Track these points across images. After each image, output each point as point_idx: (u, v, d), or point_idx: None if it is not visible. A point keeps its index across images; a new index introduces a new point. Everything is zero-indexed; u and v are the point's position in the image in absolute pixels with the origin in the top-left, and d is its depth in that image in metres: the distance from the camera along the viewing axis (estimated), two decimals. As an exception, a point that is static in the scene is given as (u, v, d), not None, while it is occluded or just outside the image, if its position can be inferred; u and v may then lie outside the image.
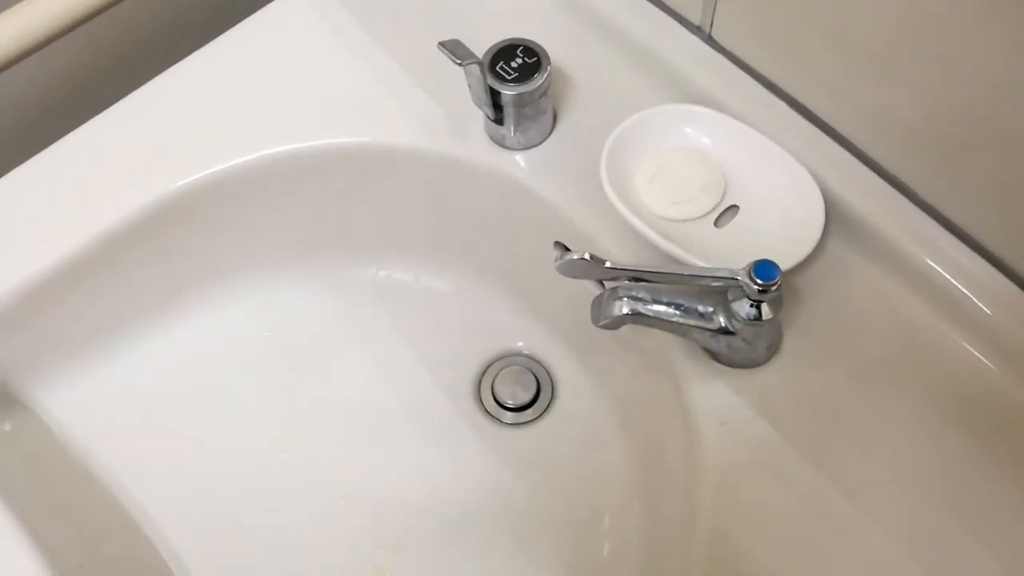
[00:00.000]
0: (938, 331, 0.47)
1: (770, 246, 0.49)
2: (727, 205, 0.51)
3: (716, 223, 0.51)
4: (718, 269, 0.43)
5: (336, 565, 0.57)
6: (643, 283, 0.45)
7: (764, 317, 0.43)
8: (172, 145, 0.57)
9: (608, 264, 0.43)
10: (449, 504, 0.59)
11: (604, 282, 0.51)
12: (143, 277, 0.60)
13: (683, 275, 0.43)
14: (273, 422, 0.62)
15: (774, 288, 0.41)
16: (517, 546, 0.57)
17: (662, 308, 0.44)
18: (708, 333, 0.45)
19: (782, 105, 0.52)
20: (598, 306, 0.45)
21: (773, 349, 0.47)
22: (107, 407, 0.60)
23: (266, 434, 0.61)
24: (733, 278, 0.42)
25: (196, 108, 0.59)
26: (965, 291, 0.46)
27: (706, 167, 0.51)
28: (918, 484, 0.44)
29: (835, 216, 0.49)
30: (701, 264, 0.47)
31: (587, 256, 0.43)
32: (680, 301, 0.45)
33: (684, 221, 0.50)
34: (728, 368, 0.48)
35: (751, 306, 0.43)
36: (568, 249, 0.56)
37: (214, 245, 0.62)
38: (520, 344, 0.64)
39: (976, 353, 0.46)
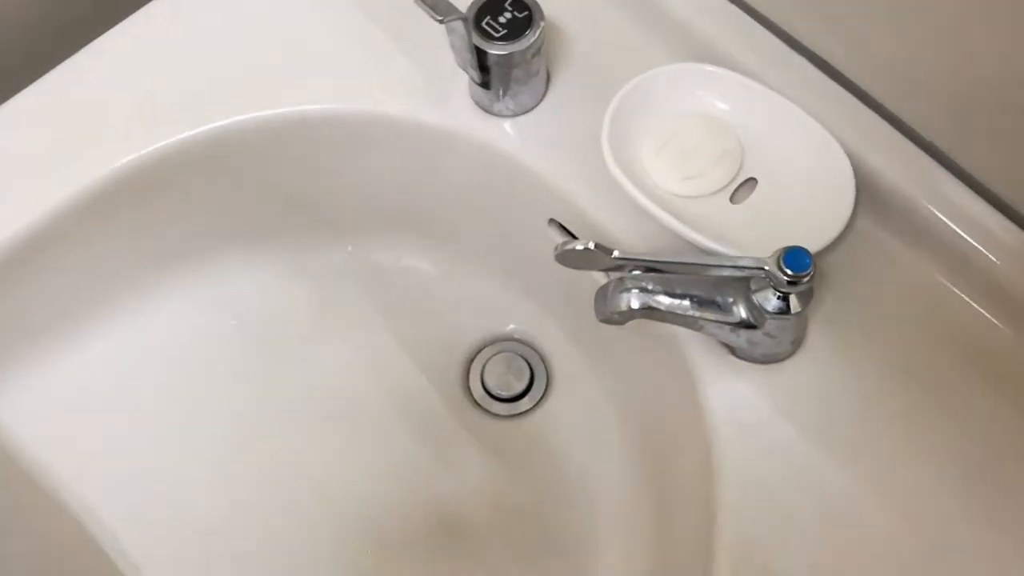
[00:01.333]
0: (984, 320, 0.42)
1: (793, 224, 0.43)
2: (744, 178, 0.45)
3: (732, 198, 0.45)
4: (742, 258, 0.37)
5: (316, 568, 0.53)
6: (653, 272, 0.40)
7: (792, 311, 0.38)
8: (116, 118, 0.51)
9: (616, 254, 0.38)
10: (436, 504, 0.55)
11: (609, 271, 0.46)
12: (91, 264, 0.54)
13: (702, 265, 0.38)
14: (242, 419, 0.57)
15: (806, 279, 0.36)
16: (510, 548, 0.53)
17: (676, 301, 0.39)
18: (728, 327, 0.40)
19: (804, 63, 0.46)
20: (603, 299, 0.40)
21: (798, 343, 0.42)
22: (55, 406, 0.55)
23: (235, 432, 0.56)
24: (760, 268, 0.37)
25: (145, 74, 0.52)
26: (1012, 276, 0.41)
27: (721, 135, 0.46)
28: (962, 492, 0.39)
29: (865, 188, 0.44)
30: (716, 248, 0.41)
31: (591, 246, 0.37)
32: (696, 292, 0.40)
33: (697, 198, 0.45)
34: (747, 363, 0.43)
35: (778, 298, 0.38)
36: (565, 229, 0.50)
37: (171, 226, 0.56)
38: (511, 328, 0.59)
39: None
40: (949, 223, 0.42)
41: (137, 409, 0.56)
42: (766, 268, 0.37)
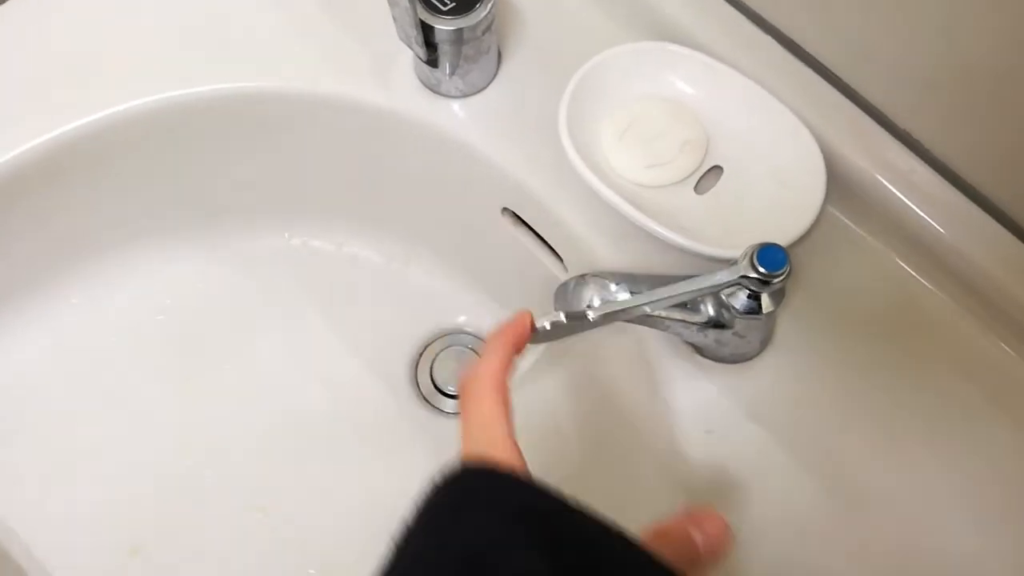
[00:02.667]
0: (955, 311, 0.41)
1: (760, 215, 0.41)
2: (709, 166, 0.43)
3: (696, 188, 0.42)
4: (716, 275, 0.34)
5: (254, 587, 0.49)
6: (615, 271, 0.37)
7: (764, 310, 0.36)
8: (31, 91, 0.46)
9: (592, 316, 0.34)
10: (384, 511, 0.51)
11: (564, 261, 0.43)
12: (3, 251, 0.49)
13: (680, 294, 0.35)
14: (172, 422, 0.53)
15: (780, 278, 0.34)
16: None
17: (640, 300, 0.36)
18: (695, 327, 0.37)
19: (773, 43, 0.43)
20: (563, 297, 0.37)
21: (766, 341, 0.40)
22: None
23: (163, 437, 0.52)
24: (735, 281, 0.34)
25: (57, 48, 0.47)
26: (986, 266, 0.39)
27: (685, 120, 0.43)
28: (936, 486, 0.38)
29: (834, 177, 0.41)
30: (679, 240, 0.39)
31: (561, 318, 0.33)
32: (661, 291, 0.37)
33: (660, 187, 0.42)
34: (714, 363, 0.40)
35: (749, 297, 0.36)
36: (520, 219, 0.47)
37: (94, 211, 0.52)
38: (462, 320, 0.56)
39: (1003, 346, 0.40)
40: (922, 214, 0.40)
41: (53, 411, 0.52)
42: (742, 276, 0.34)
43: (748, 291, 0.36)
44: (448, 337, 0.56)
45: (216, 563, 0.50)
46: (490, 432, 0.29)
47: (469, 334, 0.56)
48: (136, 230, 0.54)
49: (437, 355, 0.55)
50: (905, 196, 0.41)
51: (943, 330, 0.41)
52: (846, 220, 0.43)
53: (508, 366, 0.31)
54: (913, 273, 0.42)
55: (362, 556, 0.50)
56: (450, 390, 0.54)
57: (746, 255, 0.34)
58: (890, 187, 0.41)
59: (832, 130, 0.41)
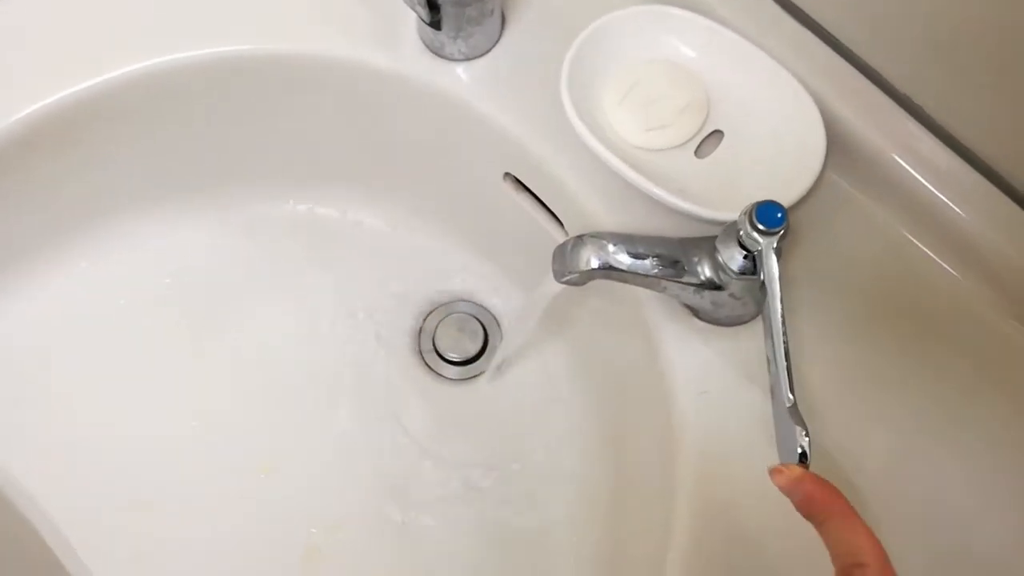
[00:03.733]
0: (951, 278, 0.41)
1: (760, 179, 0.41)
2: (710, 130, 0.43)
3: (697, 152, 0.43)
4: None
5: (262, 546, 0.50)
6: (612, 232, 0.37)
7: (759, 270, 0.36)
8: (26, 61, 0.46)
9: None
10: (387, 473, 0.52)
11: (565, 227, 0.43)
12: (12, 215, 0.49)
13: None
14: (178, 386, 0.53)
15: (778, 235, 0.34)
16: (466, 519, 0.51)
17: (637, 261, 0.37)
18: (691, 288, 0.38)
19: (775, 7, 0.43)
20: (561, 258, 0.37)
21: (763, 303, 0.40)
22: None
23: (170, 400, 0.53)
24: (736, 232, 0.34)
25: (61, 10, 0.47)
26: (985, 235, 0.39)
27: (686, 84, 0.43)
28: (933, 451, 0.38)
29: (835, 141, 0.41)
30: (680, 204, 0.39)
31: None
32: (659, 251, 0.37)
33: (660, 150, 0.42)
34: (710, 326, 0.41)
35: (744, 257, 0.36)
36: (522, 184, 0.47)
37: (100, 177, 0.52)
38: (465, 286, 0.56)
39: (1013, 321, 0.40)
40: (920, 179, 0.40)
41: (60, 374, 0.53)
42: (738, 227, 0.34)
43: (743, 252, 0.36)
44: (451, 304, 0.56)
45: (221, 521, 0.50)
46: None
47: (472, 301, 0.56)
48: (142, 196, 0.54)
49: (440, 322, 0.56)
50: (906, 162, 0.41)
51: (943, 299, 0.41)
52: (847, 186, 0.43)
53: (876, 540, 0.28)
54: (914, 240, 0.42)
55: (363, 517, 0.51)
56: (452, 356, 0.55)
57: (745, 212, 0.34)
58: (891, 153, 0.41)
59: (833, 94, 0.41)
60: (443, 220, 0.55)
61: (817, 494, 0.29)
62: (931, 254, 0.42)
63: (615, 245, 0.37)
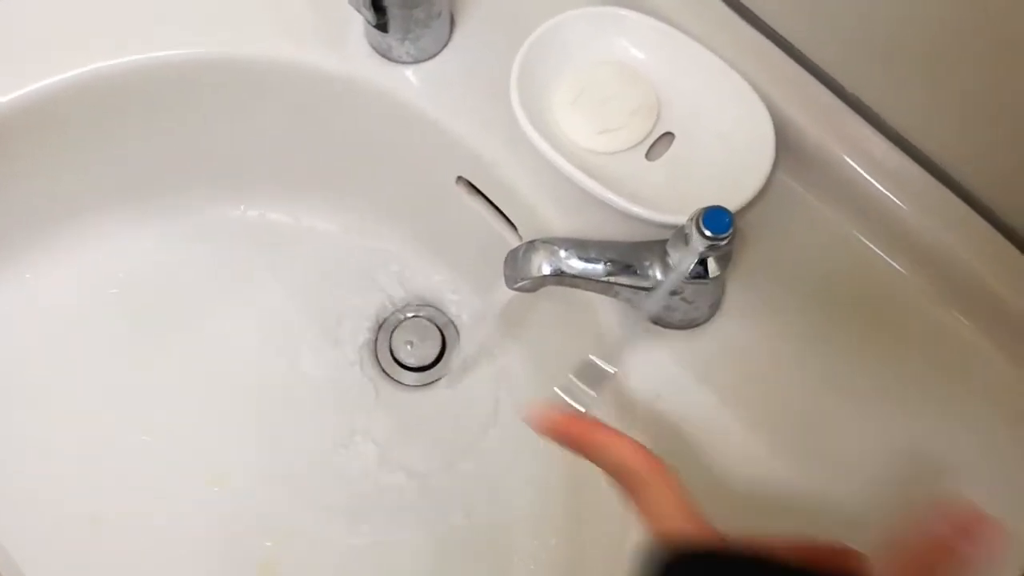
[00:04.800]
0: (901, 277, 0.41)
1: (711, 181, 0.41)
2: (661, 132, 0.43)
3: (648, 155, 0.42)
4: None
5: (212, 561, 0.49)
6: (564, 237, 0.37)
7: (711, 274, 0.36)
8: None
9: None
10: (342, 483, 0.51)
11: (519, 231, 0.43)
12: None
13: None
14: (128, 396, 0.52)
15: (725, 241, 0.34)
16: (421, 528, 0.50)
17: (589, 266, 0.36)
18: (643, 293, 0.37)
19: (724, 8, 0.43)
20: (513, 263, 0.37)
21: (715, 306, 0.40)
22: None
23: (119, 413, 0.52)
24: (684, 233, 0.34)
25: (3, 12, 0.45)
26: (937, 234, 0.40)
27: (637, 86, 0.43)
28: (885, 452, 0.39)
29: (784, 142, 0.42)
30: (631, 208, 0.39)
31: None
32: (611, 255, 0.37)
33: (612, 153, 0.42)
34: (664, 329, 0.40)
35: (696, 263, 0.36)
36: (475, 188, 0.47)
37: (45, 183, 0.51)
38: (421, 291, 0.56)
39: (957, 314, 0.41)
40: (869, 178, 0.41)
41: (7, 386, 0.51)
42: (685, 232, 0.34)
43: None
44: (407, 309, 0.56)
45: (174, 534, 0.49)
46: (674, 516, 0.29)
47: (429, 305, 0.56)
48: (89, 203, 0.53)
49: (396, 327, 0.55)
50: (855, 162, 0.41)
51: (893, 297, 0.42)
52: (797, 186, 0.43)
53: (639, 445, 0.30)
54: (864, 240, 0.42)
55: (318, 527, 0.50)
56: (410, 363, 0.54)
57: (692, 219, 0.34)
58: (841, 154, 0.41)
59: (782, 96, 0.41)
60: (397, 225, 0.55)
61: (574, 427, 0.31)
62: (879, 251, 0.42)
63: (567, 250, 0.37)
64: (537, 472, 0.49)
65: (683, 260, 0.35)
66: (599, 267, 0.37)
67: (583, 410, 0.35)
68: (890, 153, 0.41)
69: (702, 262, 0.36)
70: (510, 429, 0.51)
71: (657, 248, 0.37)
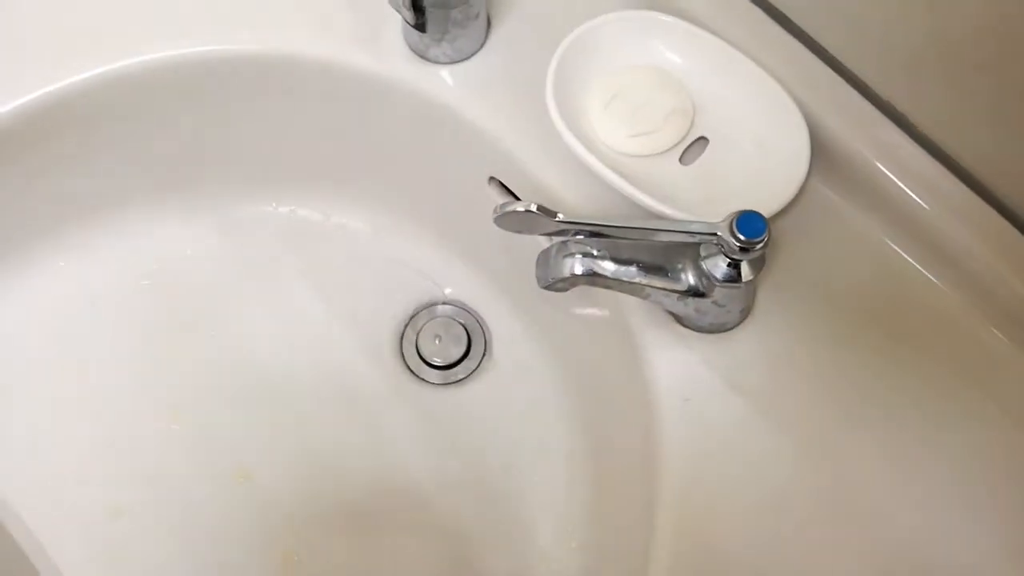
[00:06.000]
0: (934, 287, 0.41)
1: (745, 187, 0.41)
2: (695, 137, 0.43)
3: (681, 159, 0.42)
4: (692, 223, 0.35)
5: (235, 552, 0.50)
6: (599, 236, 0.37)
7: (743, 279, 0.36)
8: (17, 50, 0.46)
9: (560, 217, 0.35)
10: (365, 478, 0.52)
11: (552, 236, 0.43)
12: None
13: (651, 230, 0.35)
14: (156, 388, 0.53)
15: (759, 246, 0.34)
16: (441, 525, 0.50)
17: (622, 267, 0.37)
18: (675, 295, 0.37)
19: (762, 15, 0.43)
20: (545, 264, 0.37)
21: (746, 311, 0.40)
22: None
23: (147, 403, 0.52)
24: (711, 233, 0.34)
25: (43, 5, 0.46)
26: (966, 243, 0.39)
27: (672, 90, 0.43)
28: (918, 467, 0.38)
29: (819, 150, 0.42)
30: (666, 211, 0.39)
31: (533, 207, 0.34)
32: (643, 258, 0.37)
33: (645, 157, 0.42)
34: (694, 333, 0.41)
35: (728, 265, 0.36)
36: (506, 188, 0.47)
37: (83, 174, 0.51)
38: (448, 292, 0.56)
39: (993, 329, 0.40)
40: (903, 187, 0.40)
41: (38, 373, 0.52)
42: (718, 234, 0.34)
43: (728, 259, 0.36)
44: (434, 307, 0.56)
45: (196, 526, 0.50)
46: None
47: (455, 305, 0.56)
48: (124, 195, 0.54)
49: (423, 326, 0.55)
50: (889, 170, 0.41)
51: (927, 309, 0.41)
52: (831, 194, 0.43)
53: None
54: (897, 249, 0.42)
55: (346, 522, 0.50)
56: (435, 361, 0.54)
57: (726, 222, 0.34)
58: (875, 161, 0.41)
59: (818, 102, 0.41)
60: (427, 223, 0.55)
61: None
62: (913, 262, 0.42)
63: (599, 251, 0.37)
64: (560, 472, 0.49)
65: (716, 264, 0.36)
66: (632, 269, 0.37)
67: None
68: (924, 162, 0.41)
69: (735, 266, 0.36)
70: (533, 430, 0.51)
71: (690, 252, 0.37)
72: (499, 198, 0.48)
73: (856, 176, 0.42)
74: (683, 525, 0.38)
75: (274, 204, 0.56)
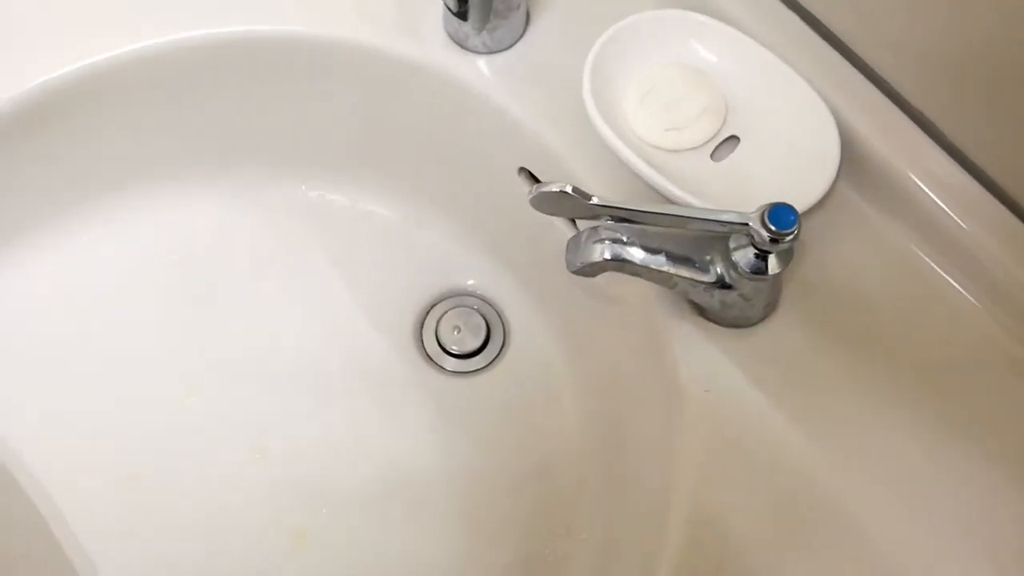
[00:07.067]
0: (959, 296, 0.41)
1: (774, 186, 0.42)
2: (727, 135, 0.43)
3: (713, 156, 0.43)
4: (725, 212, 0.35)
5: (247, 527, 0.50)
6: (627, 223, 0.37)
7: (771, 271, 0.36)
8: (41, 29, 0.46)
9: (594, 200, 0.35)
10: (378, 461, 0.52)
11: (578, 221, 0.44)
12: (15, 185, 0.49)
13: (683, 218, 0.36)
14: (177, 362, 0.53)
15: (789, 237, 0.34)
16: (453, 511, 0.50)
17: (650, 255, 0.37)
18: (701, 286, 0.38)
19: (796, 19, 0.44)
20: (575, 248, 0.38)
21: (771, 307, 0.41)
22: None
23: (168, 376, 0.53)
24: (743, 223, 0.35)
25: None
26: (994, 254, 0.40)
27: (705, 88, 0.43)
28: (933, 462, 0.38)
29: (849, 154, 0.42)
30: (695, 203, 0.39)
31: (568, 189, 0.35)
32: (671, 247, 0.38)
33: (677, 152, 0.43)
34: (717, 326, 0.41)
35: (756, 257, 0.36)
36: (535, 178, 0.48)
37: (113, 151, 0.52)
38: (470, 283, 0.56)
39: (1014, 339, 0.40)
40: (931, 195, 0.41)
41: (63, 345, 0.53)
42: (749, 224, 0.35)
43: (756, 251, 0.36)
44: (455, 298, 0.56)
45: (211, 499, 0.50)
46: None
47: (476, 296, 0.56)
48: (155, 173, 0.54)
49: (443, 315, 0.56)
50: (918, 178, 0.41)
51: (951, 317, 0.41)
52: (859, 199, 0.43)
53: None
54: (923, 256, 0.42)
55: (356, 502, 0.51)
56: (454, 350, 0.55)
57: (757, 212, 0.35)
58: (904, 169, 0.41)
59: (849, 107, 0.42)
60: (453, 213, 0.56)
61: None
62: (940, 271, 0.42)
63: (629, 238, 0.37)
64: (576, 461, 0.50)
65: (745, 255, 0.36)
66: (660, 257, 0.37)
67: None
68: (952, 171, 0.41)
69: (763, 258, 0.36)
70: (551, 419, 0.52)
71: (719, 244, 0.38)
72: (528, 188, 0.49)
73: (885, 182, 0.42)
74: (698, 515, 0.38)
75: (303, 187, 0.57)
